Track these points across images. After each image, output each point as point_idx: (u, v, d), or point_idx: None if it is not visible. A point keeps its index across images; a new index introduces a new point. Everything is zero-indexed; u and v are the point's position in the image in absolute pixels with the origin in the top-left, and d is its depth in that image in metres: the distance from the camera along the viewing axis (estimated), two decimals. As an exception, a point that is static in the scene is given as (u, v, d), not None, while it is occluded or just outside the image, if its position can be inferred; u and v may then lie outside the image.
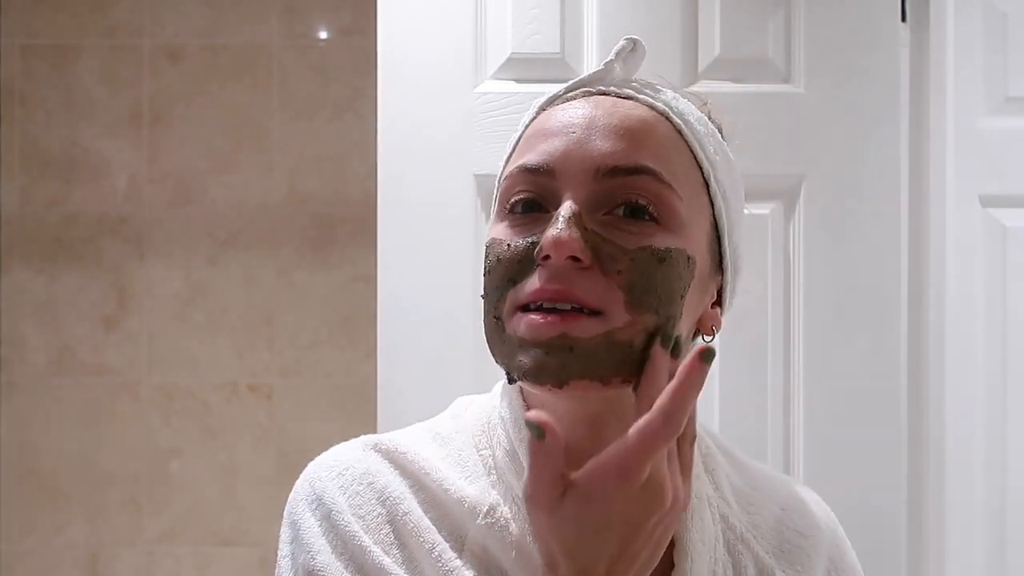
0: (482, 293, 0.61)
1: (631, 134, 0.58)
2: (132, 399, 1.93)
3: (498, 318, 0.58)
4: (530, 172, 0.59)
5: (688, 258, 0.58)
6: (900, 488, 1.28)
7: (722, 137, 0.67)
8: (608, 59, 0.63)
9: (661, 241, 0.57)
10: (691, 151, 0.61)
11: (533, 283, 0.56)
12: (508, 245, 0.58)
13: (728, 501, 0.67)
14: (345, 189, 1.92)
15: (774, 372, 1.27)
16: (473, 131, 1.26)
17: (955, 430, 1.35)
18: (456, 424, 0.68)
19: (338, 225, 1.93)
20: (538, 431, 0.50)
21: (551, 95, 0.64)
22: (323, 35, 1.94)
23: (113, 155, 1.93)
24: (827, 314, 1.26)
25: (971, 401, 1.36)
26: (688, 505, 0.53)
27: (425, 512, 0.62)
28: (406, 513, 0.61)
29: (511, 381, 0.59)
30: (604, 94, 0.62)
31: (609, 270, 0.55)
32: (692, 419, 0.53)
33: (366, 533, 0.60)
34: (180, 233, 1.93)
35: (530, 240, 0.57)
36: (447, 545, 0.60)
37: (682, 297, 0.58)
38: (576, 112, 0.60)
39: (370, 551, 0.60)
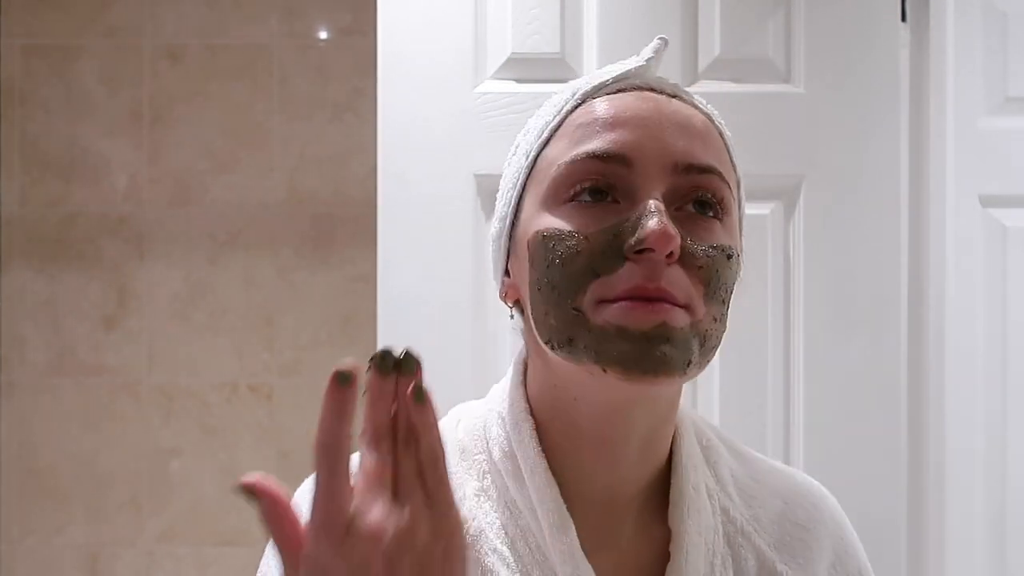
0: (539, 286, 0.58)
1: (699, 134, 0.59)
2: (132, 399, 1.93)
3: (578, 310, 0.56)
4: (601, 160, 0.57)
5: (738, 256, 0.60)
6: (900, 488, 1.28)
7: None
8: (649, 56, 0.62)
9: (725, 239, 0.59)
10: (729, 156, 0.63)
11: (627, 278, 0.55)
12: (585, 237, 0.56)
13: (729, 494, 0.66)
14: (345, 189, 1.92)
15: (774, 372, 1.27)
16: (473, 131, 1.26)
17: (955, 430, 1.35)
18: (449, 434, 0.67)
19: (338, 225, 1.93)
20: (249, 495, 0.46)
21: (595, 83, 0.62)
22: (323, 35, 1.94)
23: (113, 155, 1.93)
24: (827, 314, 1.26)
25: (971, 401, 1.36)
26: (450, 537, 0.48)
27: None
28: None
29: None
30: (651, 89, 0.62)
31: (690, 265, 0.56)
32: (431, 440, 0.49)
33: None
34: (180, 233, 1.93)
35: (611, 232, 0.56)
36: None
37: (733, 288, 0.60)
38: (640, 105, 0.59)
39: None
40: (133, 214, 1.93)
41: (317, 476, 0.46)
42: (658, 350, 0.54)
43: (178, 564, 1.91)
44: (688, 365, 0.55)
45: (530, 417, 0.63)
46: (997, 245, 1.37)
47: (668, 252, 0.54)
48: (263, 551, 0.65)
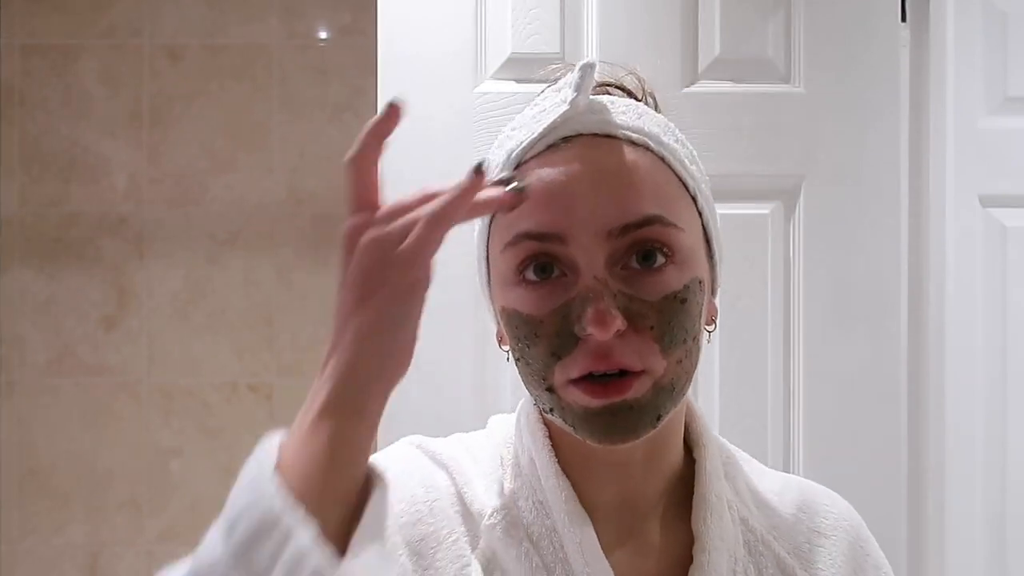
0: (517, 357, 0.62)
1: (629, 185, 0.59)
2: (132, 399, 1.93)
3: (550, 389, 0.60)
4: (537, 240, 0.59)
5: (700, 282, 0.61)
6: (900, 488, 1.28)
7: (656, 108, 0.67)
8: (571, 96, 0.60)
9: (677, 280, 0.59)
10: (675, 173, 0.62)
11: (580, 360, 0.58)
12: (541, 321, 0.59)
13: (747, 505, 0.68)
14: (345, 189, 1.92)
15: (774, 372, 1.27)
16: (473, 131, 1.26)
17: (955, 429, 1.35)
18: (486, 440, 0.71)
19: (338, 225, 1.91)
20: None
21: (523, 144, 0.61)
22: (323, 35, 1.94)
23: (113, 155, 1.93)
24: (827, 314, 1.26)
25: (971, 400, 1.36)
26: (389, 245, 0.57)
27: (457, 512, 0.65)
28: (436, 500, 0.66)
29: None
30: (580, 135, 0.61)
31: (641, 327, 0.58)
32: (452, 203, 0.57)
33: (406, 546, 0.64)
34: (180, 233, 1.93)
35: (561, 314, 0.58)
36: (468, 549, 0.64)
37: (699, 315, 0.61)
38: (569, 169, 0.59)
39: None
40: (133, 214, 1.93)
41: (352, 173, 0.60)
42: (623, 422, 0.58)
43: (178, 564, 1.91)
44: (658, 419, 0.59)
45: (543, 426, 0.66)
46: (997, 245, 1.37)
47: (612, 332, 0.56)
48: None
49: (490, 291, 0.66)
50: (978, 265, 1.37)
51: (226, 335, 1.93)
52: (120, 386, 1.93)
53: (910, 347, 1.35)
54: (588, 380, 0.58)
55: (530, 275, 0.59)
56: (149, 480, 1.92)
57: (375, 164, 0.59)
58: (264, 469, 0.50)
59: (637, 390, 0.58)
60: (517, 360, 0.62)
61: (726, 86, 1.28)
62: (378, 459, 0.67)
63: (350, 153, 0.58)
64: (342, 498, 0.52)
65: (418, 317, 0.56)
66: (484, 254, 0.65)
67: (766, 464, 0.76)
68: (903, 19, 1.37)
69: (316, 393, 0.54)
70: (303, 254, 1.93)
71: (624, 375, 0.58)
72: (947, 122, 1.36)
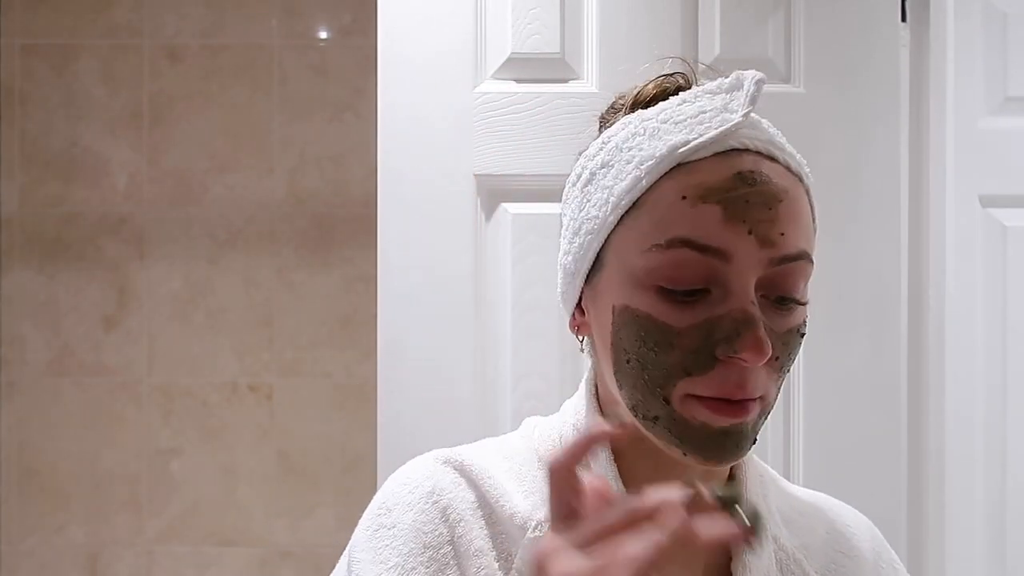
0: (633, 359, 0.58)
1: (791, 215, 0.57)
2: (132, 399, 1.93)
3: (667, 400, 0.58)
4: (698, 251, 0.56)
5: (806, 319, 0.62)
6: (900, 488, 1.28)
7: None
8: (746, 110, 0.58)
9: (800, 315, 0.60)
10: (812, 210, 0.62)
11: (719, 384, 0.56)
12: (679, 332, 0.56)
13: (778, 524, 0.68)
14: (345, 189, 1.92)
15: (774, 372, 1.27)
16: (473, 131, 1.26)
17: (955, 430, 1.35)
18: (524, 443, 0.70)
19: (338, 225, 1.93)
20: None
21: (690, 144, 0.58)
22: (323, 35, 1.94)
23: (113, 155, 1.93)
24: (827, 314, 1.26)
25: (971, 401, 1.36)
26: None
27: (483, 527, 0.64)
28: (461, 536, 0.63)
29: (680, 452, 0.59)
30: (746, 150, 0.59)
31: (770, 358, 0.57)
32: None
33: (425, 550, 0.62)
34: (180, 233, 1.93)
35: (703, 331, 0.56)
36: (496, 566, 0.62)
37: None
38: (740, 188, 0.56)
39: (416, 571, 0.61)
40: (133, 214, 1.93)
41: (552, 493, 0.47)
42: (733, 443, 0.58)
43: (178, 564, 1.91)
44: (754, 442, 0.60)
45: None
46: (997, 245, 1.37)
47: (763, 361, 0.56)
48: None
49: (594, 276, 0.62)
50: (978, 265, 1.37)
51: (226, 335, 1.93)
52: (120, 386, 1.93)
53: (910, 347, 1.35)
54: (714, 399, 0.57)
55: (678, 293, 0.57)
56: (149, 480, 1.92)
57: (576, 470, 0.47)
58: None
59: (753, 413, 0.58)
60: (627, 361, 0.59)
61: (726, 86, 1.28)
62: (396, 476, 0.67)
63: (554, 458, 0.48)
64: None
65: None
66: (604, 237, 0.60)
67: (766, 464, 0.76)
68: (903, 19, 1.36)
69: None
70: (303, 254, 1.93)
71: (748, 402, 0.58)
72: (947, 122, 1.36)
